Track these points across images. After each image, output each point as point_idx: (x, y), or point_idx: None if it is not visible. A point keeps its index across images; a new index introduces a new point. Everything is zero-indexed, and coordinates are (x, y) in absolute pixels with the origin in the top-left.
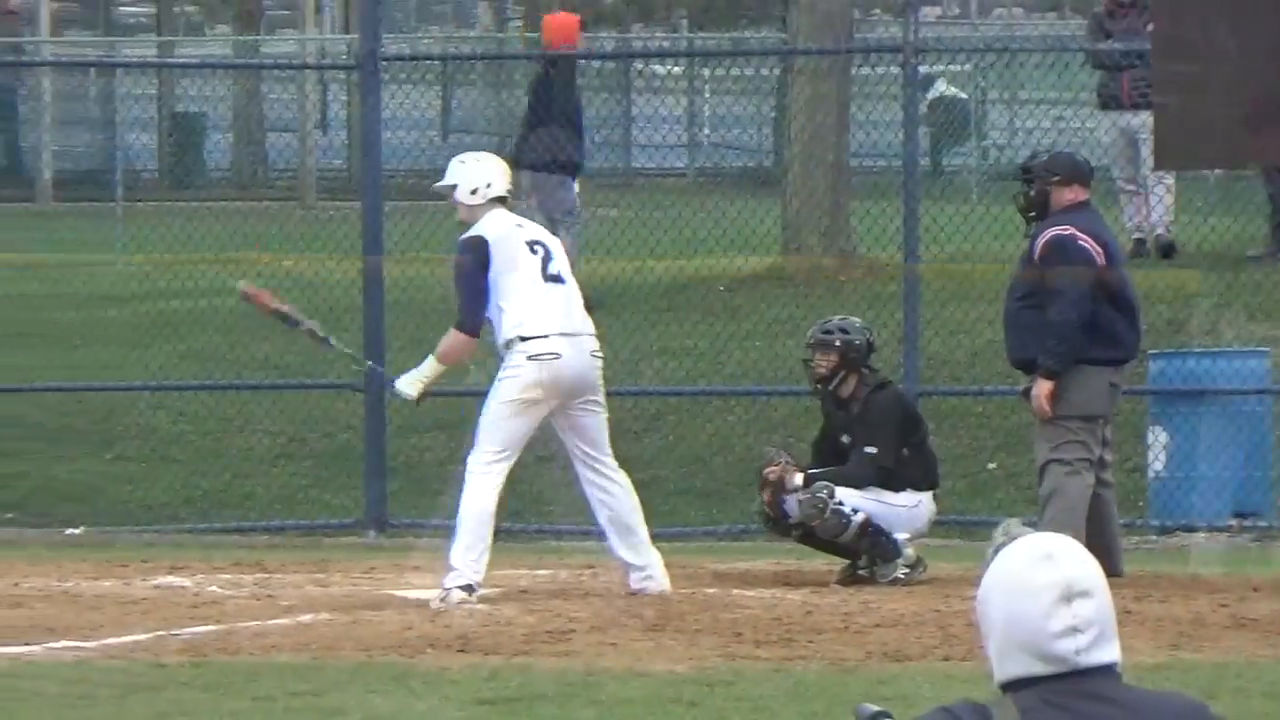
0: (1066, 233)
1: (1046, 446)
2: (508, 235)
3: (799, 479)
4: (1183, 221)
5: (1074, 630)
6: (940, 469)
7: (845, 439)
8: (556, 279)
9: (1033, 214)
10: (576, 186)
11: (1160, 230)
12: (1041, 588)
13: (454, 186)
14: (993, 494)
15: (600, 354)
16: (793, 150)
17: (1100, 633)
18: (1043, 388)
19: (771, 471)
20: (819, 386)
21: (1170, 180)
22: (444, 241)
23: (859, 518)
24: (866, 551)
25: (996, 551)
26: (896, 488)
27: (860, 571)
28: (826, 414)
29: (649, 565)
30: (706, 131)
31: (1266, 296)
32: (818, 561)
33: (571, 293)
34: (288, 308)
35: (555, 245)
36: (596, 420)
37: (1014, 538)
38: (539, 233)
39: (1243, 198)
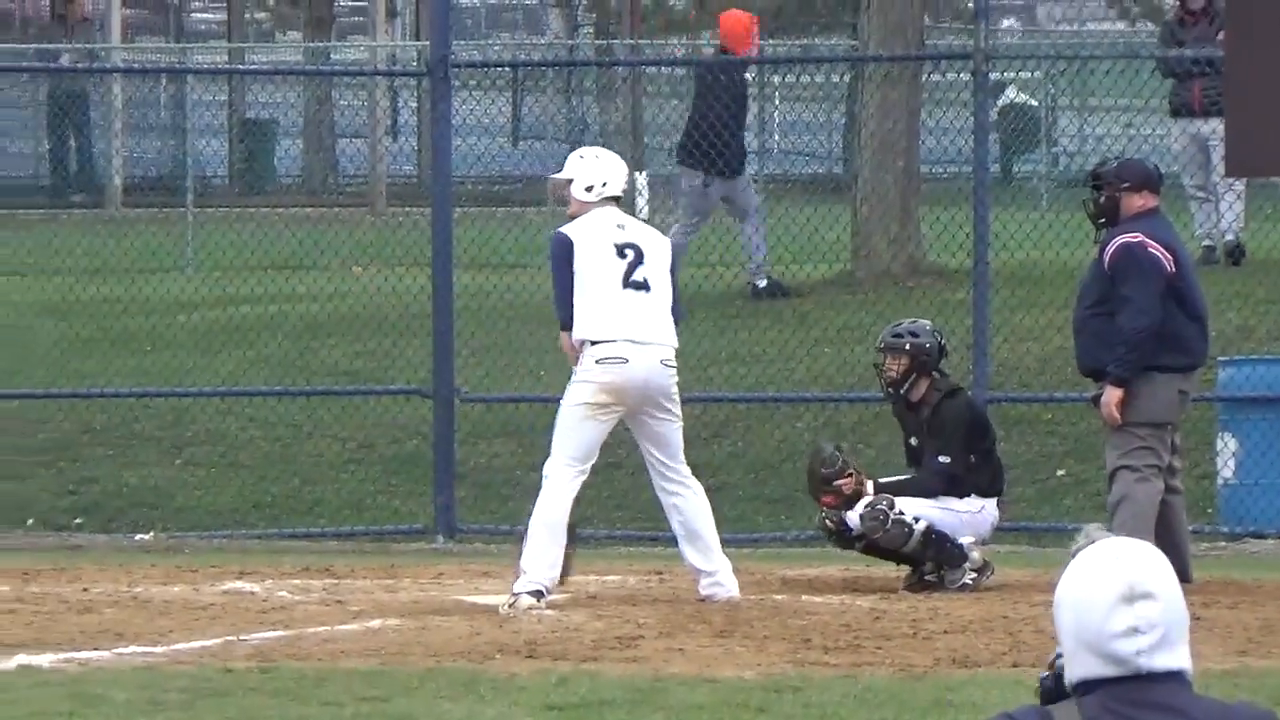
0: (1135, 239)
1: (1116, 453)
2: (597, 236)
3: (870, 488)
4: (1252, 228)
5: (1135, 631)
6: (1008, 475)
7: (914, 441)
8: (640, 285)
9: (1102, 221)
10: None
11: (1230, 236)
12: (1106, 588)
13: (570, 181)
14: (1061, 500)
15: (673, 364)
16: (863, 157)
17: (1164, 636)
18: (1112, 395)
19: (845, 485)
20: (890, 390)
21: (1240, 187)
22: (513, 248)
23: (921, 526)
24: (931, 559)
25: (1075, 555)
26: (962, 494)
27: (927, 577)
28: (897, 416)
29: (718, 571)
30: (776, 138)
31: None
32: (886, 567)
33: (654, 301)
34: None
35: (654, 250)
36: (670, 429)
37: (1094, 541)
38: (640, 236)
39: None
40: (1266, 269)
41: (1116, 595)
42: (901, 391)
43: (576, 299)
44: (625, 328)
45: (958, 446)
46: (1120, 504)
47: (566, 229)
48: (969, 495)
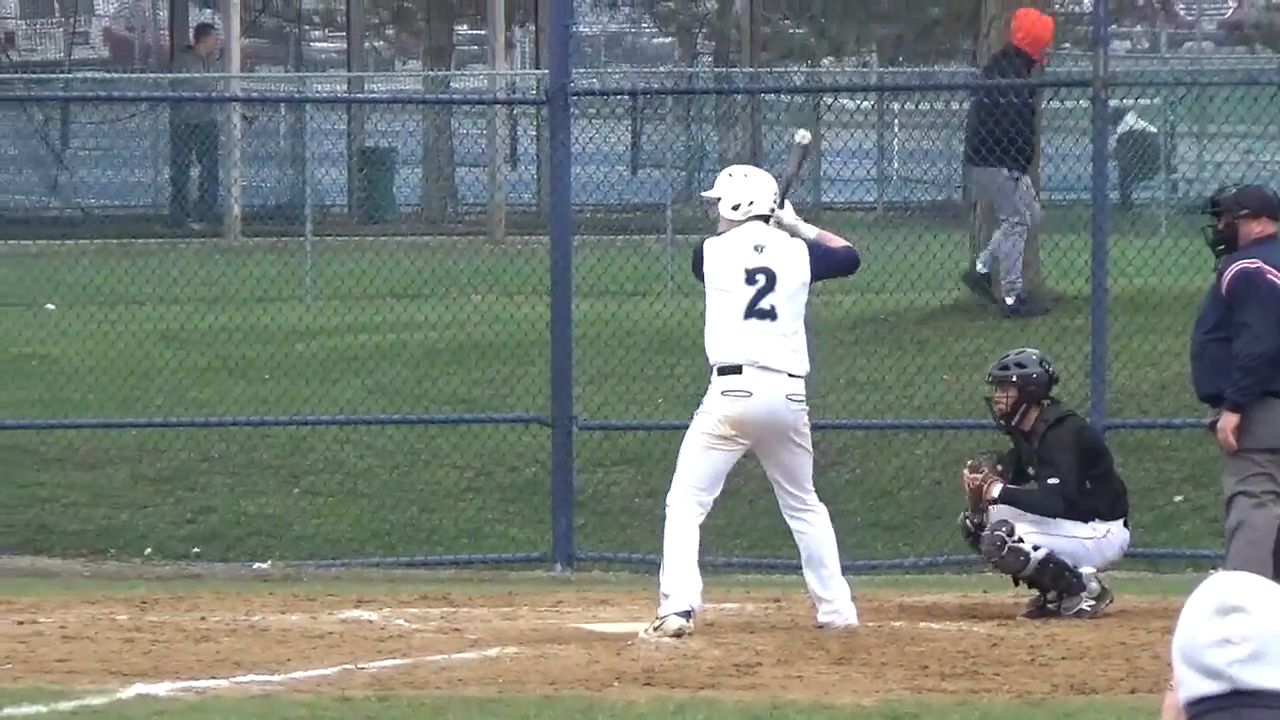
0: (1253, 266)
1: (1233, 479)
2: (732, 255)
3: (997, 490)
4: None
5: (1226, 641)
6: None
7: (1030, 471)
8: (766, 314)
9: (1221, 247)
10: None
11: None
12: (1201, 603)
13: (719, 199)
14: (1179, 527)
15: (800, 397)
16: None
17: (1259, 651)
18: (1228, 421)
19: (973, 479)
20: (1002, 423)
21: None
22: (631, 276)
23: (1039, 554)
24: (1050, 585)
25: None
26: (1084, 518)
27: (1049, 605)
28: (1015, 444)
29: (836, 599)
30: (895, 165)
31: None
32: (1004, 594)
33: (781, 330)
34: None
35: (788, 274)
36: (798, 460)
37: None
38: (777, 258)
39: None
40: None
41: (1210, 609)
42: (1013, 423)
43: (709, 317)
44: (751, 355)
45: (1070, 469)
46: (1237, 530)
47: (707, 241)
48: (1091, 520)
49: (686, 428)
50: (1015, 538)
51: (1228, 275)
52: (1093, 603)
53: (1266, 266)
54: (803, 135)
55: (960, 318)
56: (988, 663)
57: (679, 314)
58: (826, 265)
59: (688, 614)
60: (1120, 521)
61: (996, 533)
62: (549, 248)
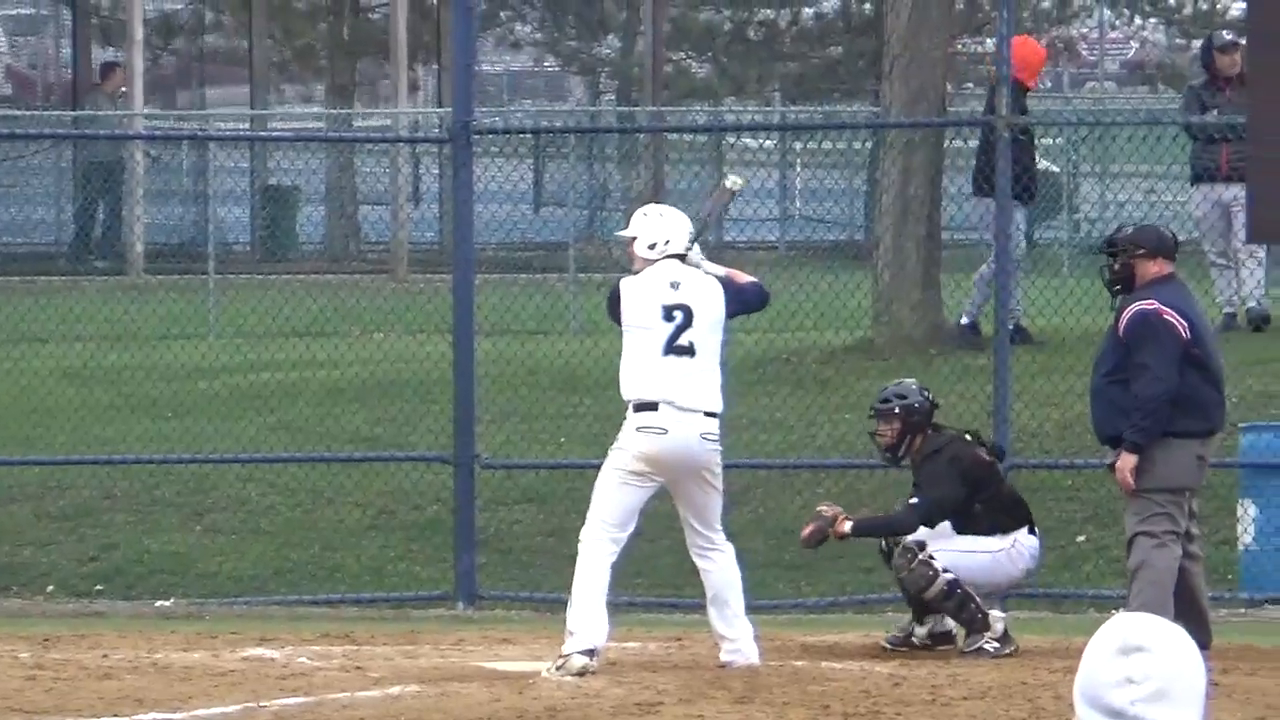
0: (1151, 307)
1: (1134, 519)
2: (649, 293)
3: (847, 527)
4: (1274, 294)
5: (1128, 680)
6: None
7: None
8: (685, 350)
9: (1118, 288)
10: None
11: (1253, 303)
12: (1104, 644)
13: (634, 239)
14: (1081, 567)
15: (714, 436)
16: (884, 223)
17: (1160, 690)
18: (1126, 461)
19: (827, 508)
20: (888, 455)
21: (1262, 254)
22: (534, 315)
23: (947, 576)
24: (954, 615)
25: None
26: (988, 534)
27: (913, 639)
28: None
29: (739, 638)
30: (798, 205)
31: None
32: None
33: (699, 367)
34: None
35: (705, 311)
36: (709, 498)
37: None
38: (694, 295)
39: None
40: (1275, 334)
41: (1112, 649)
42: (899, 455)
43: (625, 354)
44: (667, 392)
45: (931, 490)
46: (1139, 570)
47: (623, 280)
48: (995, 534)
49: (590, 466)
50: (927, 553)
51: (1125, 317)
52: (995, 645)
53: (1164, 307)
54: (734, 181)
55: (862, 357)
56: (890, 702)
57: (581, 353)
58: (740, 302)
59: (591, 652)
60: (1025, 529)
61: (909, 545)
62: (451, 286)
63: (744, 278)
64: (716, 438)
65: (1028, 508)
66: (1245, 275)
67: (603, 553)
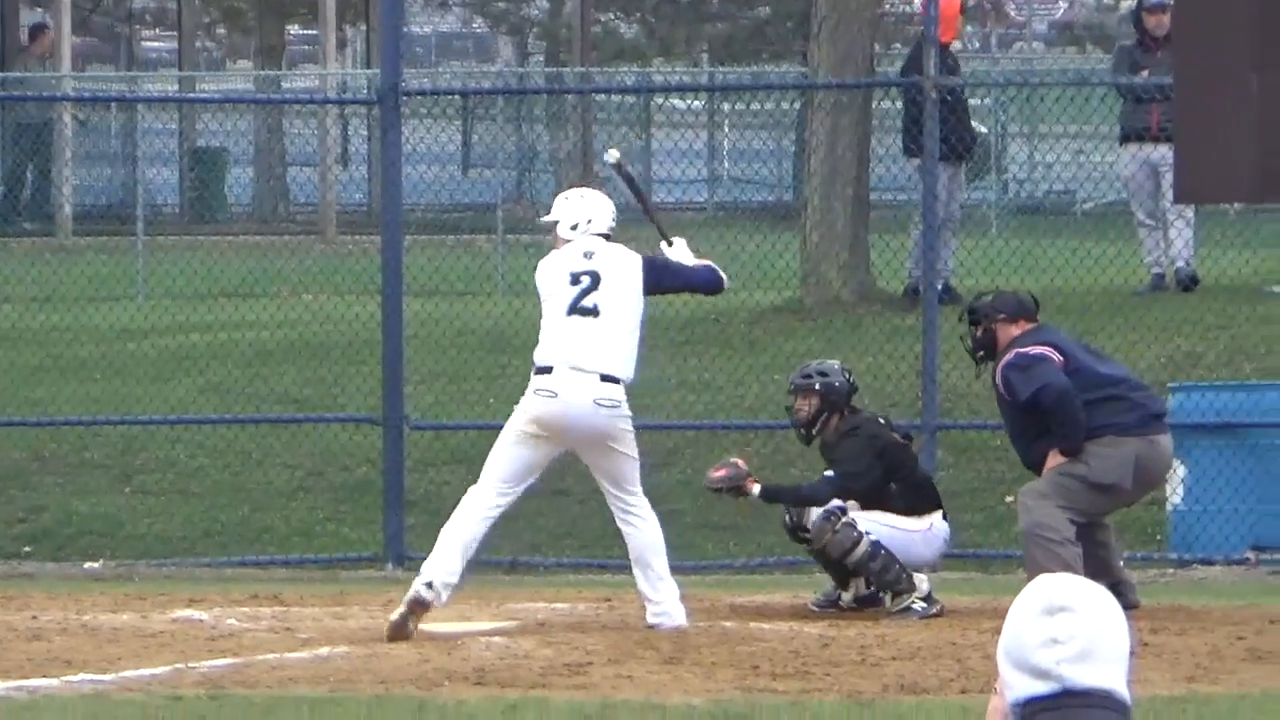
0: (1010, 357)
1: (1036, 503)
2: (559, 263)
3: (756, 489)
4: (1201, 254)
5: (1053, 641)
6: (957, 502)
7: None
8: (589, 311)
9: (981, 354)
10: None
11: (1181, 263)
12: (1029, 605)
13: (556, 222)
14: (1009, 527)
15: (611, 403)
16: (812, 184)
17: (1086, 651)
18: (1055, 459)
19: (741, 461)
20: (802, 431)
21: (1190, 214)
22: (462, 276)
23: (870, 539)
24: (878, 579)
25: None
26: (906, 514)
27: (841, 603)
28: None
29: (664, 601)
30: (726, 166)
31: None
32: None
33: (604, 328)
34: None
35: (615, 276)
36: (615, 464)
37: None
38: (605, 262)
39: (1263, 232)
40: (1215, 295)
41: (1037, 610)
42: (814, 431)
43: (541, 324)
44: (564, 354)
45: (847, 464)
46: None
47: (543, 259)
48: (911, 516)
49: None
50: (848, 517)
51: (998, 381)
52: (922, 604)
53: (1019, 350)
54: (611, 154)
55: (790, 318)
56: (819, 663)
57: (510, 313)
58: (671, 278)
59: (429, 584)
60: (939, 514)
61: (832, 511)
62: (380, 247)
63: (698, 261)
64: (615, 403)
65: (939, 494)
66: (1174, 236)
67: (479, 505)
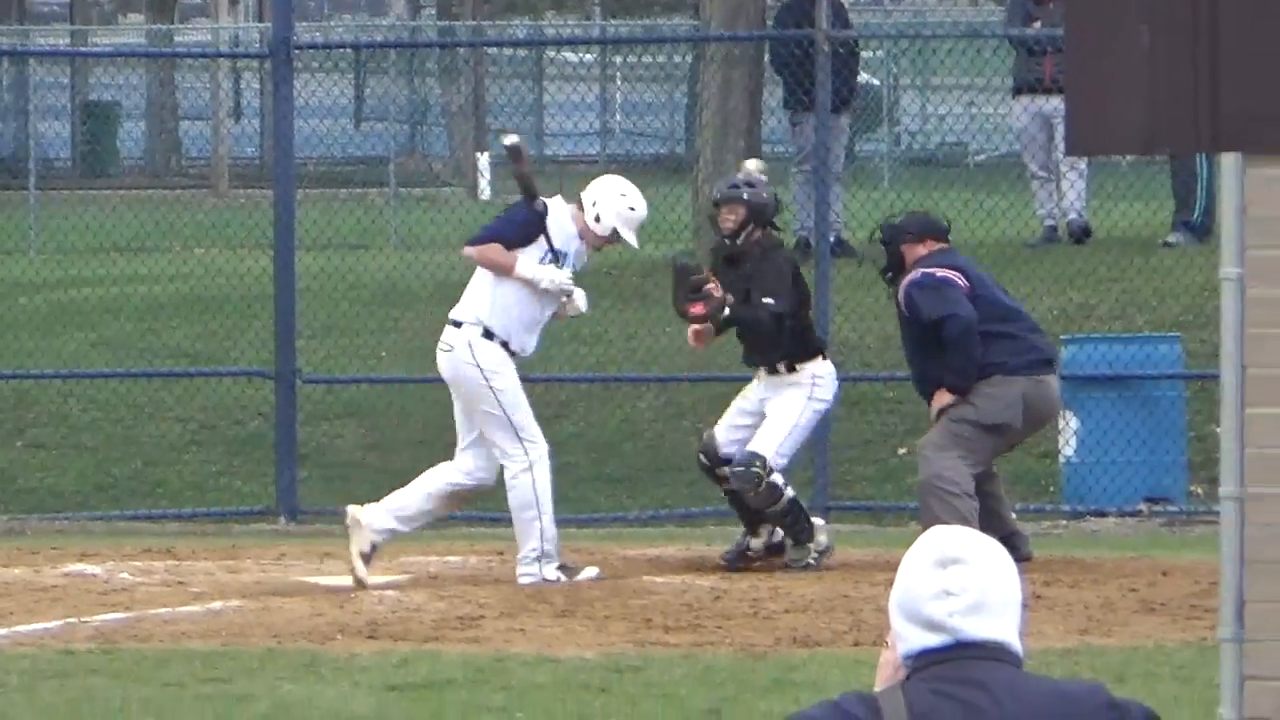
0: (915, 275)
1: (933, 448)
2: None
3: (727, 310)
4: (1094, 206)
5: (946, 593)
6: (850, 454)
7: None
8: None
9: (890, 274)
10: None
11: (1074, 215)
12: (921, 557)
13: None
14: (903, 479)
15: (446, 346)
16: (704, 137)
17: (978, 602)
18: (942, 398)
19: (713, 287)
20: (727, 240)
21: (1082, 165)
22: (355, 230)
23: (789, 494)
24: (787, 529)
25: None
26: (789, 368)
27: (749, 552)
28: (718, 274)
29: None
30: (619, 119)
31: (1178, 282)
32: (727, 547)
33: (473, 279)
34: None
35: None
36: (473, 414)
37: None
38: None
39: (1155, 184)
40: (1108, 247)
41: (929, 561)
42: (738, 242)
43: None
44: None
45: (785, 294)
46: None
47: None
48: (798, 365)
49: (410, 381)
50: (770, 472)
51: (900, 298)
52: (817, 556)
53: (926, 270)
54: (509, 139)
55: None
56: (711, 616)
57: (402, 267)
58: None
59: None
60: (820, 357)
61: (753, 468)
62: (272, 201)
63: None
64: (449, 347)
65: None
66: (1066, 188)
67: (447, 464)
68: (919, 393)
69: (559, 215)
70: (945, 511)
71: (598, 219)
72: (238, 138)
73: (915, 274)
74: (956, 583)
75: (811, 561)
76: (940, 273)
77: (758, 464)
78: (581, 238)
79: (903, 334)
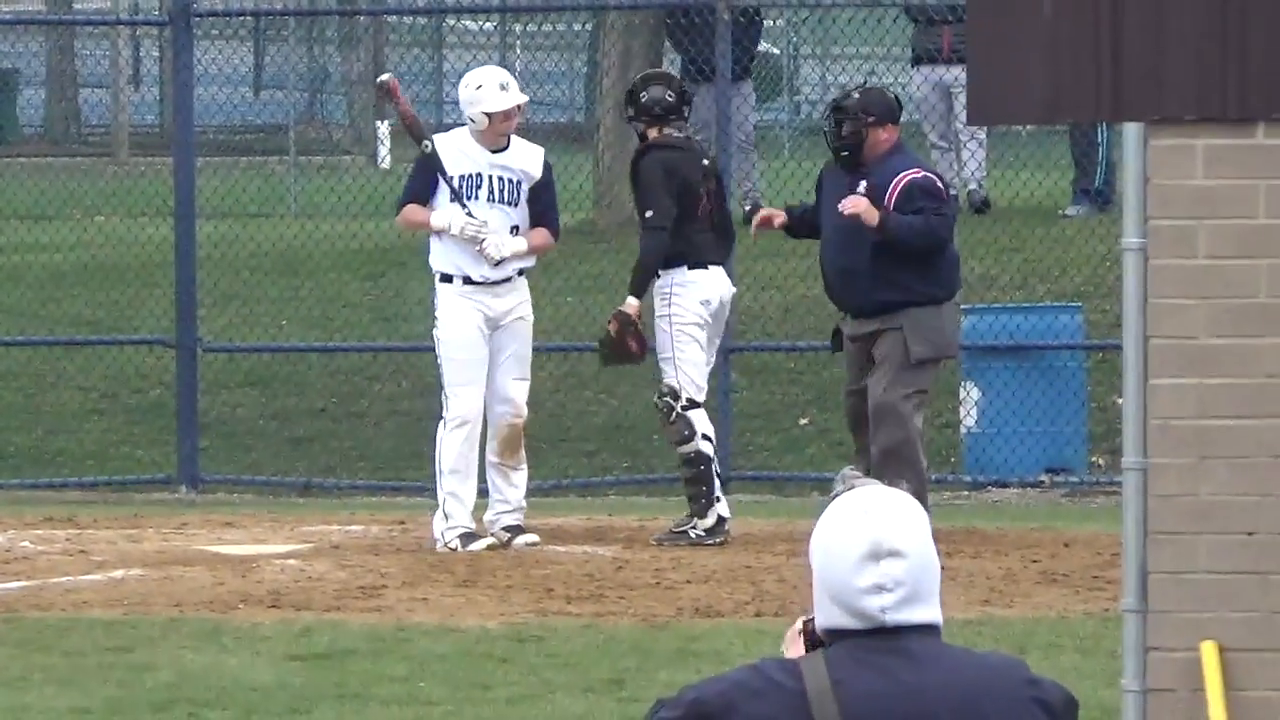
0: (917, 176)
1: (895, 391)
2: None
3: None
4: (995, 177)
5: (880, 589)
6: (752, 425)
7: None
8: None
9: (845, 153)
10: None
11: (974, 186)
12: (852, 544)
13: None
14: (805, 450)
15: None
16: (605, 106)
17: (911, 593)
18: (872, 214)
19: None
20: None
21: (982, 135)
22: (255, 198)
23: (700, 446)
24: (685, 486)
25: (831, 500)
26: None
27: (676, 531)
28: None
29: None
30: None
31: (1079, 251)
32: (629, 517)
33: None
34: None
35: None
36: None
37: (851, 488)
38: None
39: (1055, 154)
40: (1008, 217)
41: (862, 552)
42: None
43: None
44: None
45: (657, 200)
46: (892, 453)
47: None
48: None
49: (311, 350)
50: (681, 402)
51: (897, 189)
52: (700, 534)
53: (926, 171)
54: (381, 77)
55: (584, 239)
56: (613, 586)
57: (303, 235)
58: None
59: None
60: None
61: (664, 397)
62: (172, 169)
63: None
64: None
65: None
66: (966, 157)
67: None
68: (837, 292)
69: (447, 143)
70: (911, 479)
71: (471, 120)
72: (138, 105)
73: (916, 173)
74: (891, 576)
75: (691, 534)
76: (940, 183)
77: (667, 393)
78: (481, 144)
79: (834, 224)
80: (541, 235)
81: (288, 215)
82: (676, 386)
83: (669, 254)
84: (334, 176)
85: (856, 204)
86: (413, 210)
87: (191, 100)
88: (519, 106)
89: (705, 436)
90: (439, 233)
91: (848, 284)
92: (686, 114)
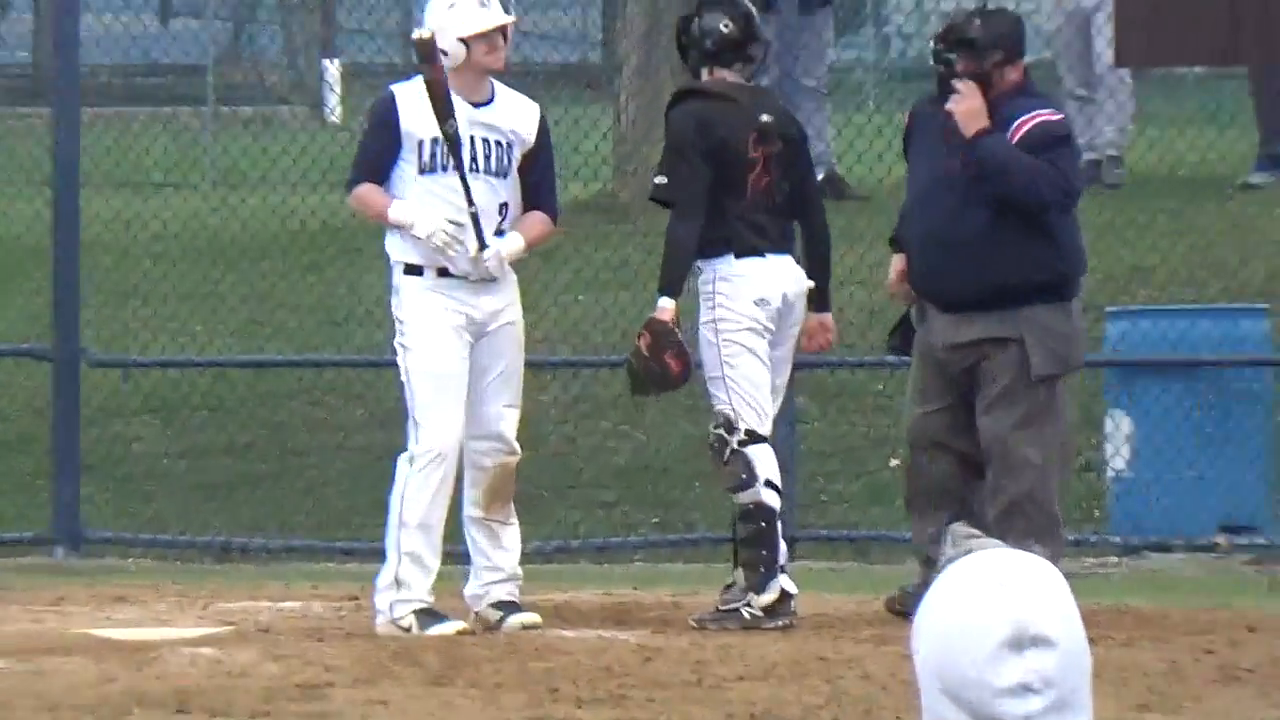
0: (1056, 118)
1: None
2: None
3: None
4: (1150, 137)
5: (1026, 689)
6: (822, 465)
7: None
8: None
9: (954, 91)
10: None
11: (1113, 151)
12: (985, 627)
13: None
14: (894, 500)
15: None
16: (629, 40)
17: (1060, 700)
18: (968, 107)
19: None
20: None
21: (1130, 82)
22: (160, 162)
23: (759, 493)
24: (738, 548)
25: (940, 572)
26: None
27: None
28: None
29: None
30: (515, 15)
31: (1263, 234)
32: (660, 590)
33: None
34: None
35: None
36: None
37: (968, 550)
38: None
39: (1228, 108)
40: (1169, 190)
41: (1001, 638)
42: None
43: None
44: None
45: (675, 165)
46: (1025, 501)
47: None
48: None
49: (234, 364)
50: (735, 437)
51: (1023, 128)
52: (755, 614)
53: (1057, 114)
54: (418, 32)
55: (600, 218)
56: (639, 683)
57: (225, 212)
58: None
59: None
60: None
61: (716, 429)
62: (50, 124)
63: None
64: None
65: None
66: (1113, 110)
67: None
68: (926, 272)
69: (408, 94)
70: (1047, 543)
71: (443, 54)
72: (4, 38)
73: (1050, 114)
74: (1040, 673)
75: (744, 613)
76: (1068, 130)
77: (721, 424)
78: (458, 92)
79: (931, 175)
80: (539, 224)
81: (204, 185)
82: (731, 415)
83: (709, 240)
84: (266, 133)
85: (967, 99)
86: (369, 192)
87: (76, 32)
88: (505, 33)
89: (769, 484)
90: (399, 229)
91: (946, 260)
92: (754, 53)
